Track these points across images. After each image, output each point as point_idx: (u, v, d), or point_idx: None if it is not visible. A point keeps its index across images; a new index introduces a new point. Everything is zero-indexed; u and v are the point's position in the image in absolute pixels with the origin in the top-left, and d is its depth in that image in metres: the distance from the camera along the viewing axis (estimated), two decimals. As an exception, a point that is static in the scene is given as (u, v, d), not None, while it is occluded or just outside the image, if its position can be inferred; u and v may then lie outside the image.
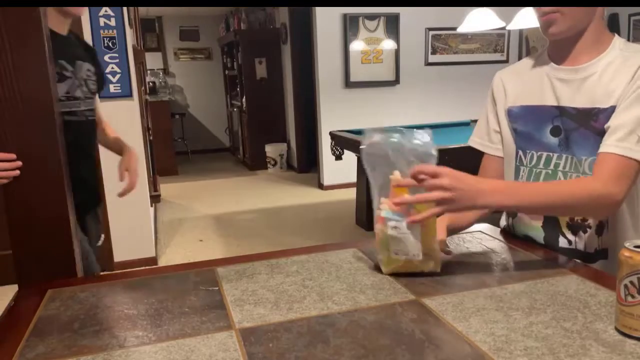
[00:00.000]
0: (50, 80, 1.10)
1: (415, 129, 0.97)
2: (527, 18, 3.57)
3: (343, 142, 3.83)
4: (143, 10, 6.58)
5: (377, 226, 0.98)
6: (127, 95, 3.24)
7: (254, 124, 6.64)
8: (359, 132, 3.87)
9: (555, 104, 1.06)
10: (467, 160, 3.43)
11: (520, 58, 5.83)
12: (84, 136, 1.56)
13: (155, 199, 4.13)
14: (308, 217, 4.56)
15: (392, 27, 5.34)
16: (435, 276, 0.97)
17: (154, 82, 7.29)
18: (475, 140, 1.27)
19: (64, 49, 1.45)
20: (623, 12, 5.95)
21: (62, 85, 1.42)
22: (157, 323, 0.83)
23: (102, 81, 1.71)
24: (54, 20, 1.40)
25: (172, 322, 0.83)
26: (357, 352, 0.72)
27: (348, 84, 5.32)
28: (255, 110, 6.63)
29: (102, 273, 1.63)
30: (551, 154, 1.08)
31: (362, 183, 4.02)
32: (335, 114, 5.31)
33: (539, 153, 1.10)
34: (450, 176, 0.88)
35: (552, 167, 1.08)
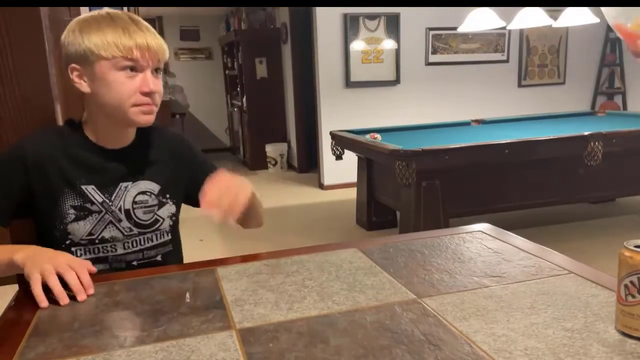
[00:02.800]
0: (50, 81, 1.10)
1: None
2: (527, 18, 3.57)
3: (343, 142, 3.83)
4: (143, 10, 6.58)
5: None
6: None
7: (255, 124, 6.64)
8: (359, 132, 3.87)
9: None
10: (467, 160, 3.43)
11: (520, 58, 5.84)
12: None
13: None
14: (308, 217, 4.56)
15: (393, 27, 5.33)
16: (435, 276, 0.97)
17: (154, 82, 7.28)
18: None
19: (97, 170, 1.10)
20: (623, 11, 5.93)
21: (82, 224, 1.08)
22: (157, 323, 0.83)
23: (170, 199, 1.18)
24: (108, 136, 1.11)
25: (172, 322, 0.83)
26: (357, 352, 0.72)
27: (348, 83, 5.32)
28: (255, 110, 6.63)
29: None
30: None
31: (362, 183, 4.02)
32: (335, 114, 5.31)
33: None
34: None
35: None
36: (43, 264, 0.92)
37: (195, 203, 1.21)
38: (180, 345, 0.76)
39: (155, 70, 1.08)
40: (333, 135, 3.98)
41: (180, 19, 8.12)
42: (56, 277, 0.91)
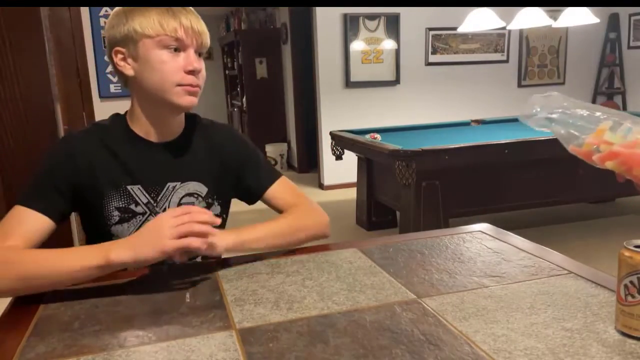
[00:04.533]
0: (50, 81, 1.10)
1: None
2: (527, 18, 3.58)
3: (343, 142, 3.83)
4: (143, 10, 6.57)
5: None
6: (128, 95, 3.25)
7: (255, 124, 6.64)
8: (359, 132, 3.87)
9: None
10: (467, 160, 3.43)
11: (520, 58, 5.85)
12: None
13: (155, 199, 4.14)
14: (308, 217, 4.56)
15: (393, 27, 5.34)
16: (435, 276, 0.97)
17: (154, 82, 7.29)
18: None
19: (145, 167, 1.06)
20: (623, 12, 5.95)
21: (125, 227, 1.03)
22: (157, 323, 0.83)
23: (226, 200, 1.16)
24: (154, 127, 1.07)
25: (172, 322, 0.83)
26: (357, 352, 0.72)
27: (348, 84, 5.32)
28: (255, 110, 6.63)
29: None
30: None
31: (362, 183, 4.02)
32: (335, 114, 5.31)
33: None
34: None
35: None
36: (164, 239, 0.88)
37: (249, 200, 1.24)
38: (180, 345, 0.76)
39: (198, 54, 1.06)
40: (333, 135, 3.98)
41: (180, 19, 8.12)
42: (189, 239, 0.89)
